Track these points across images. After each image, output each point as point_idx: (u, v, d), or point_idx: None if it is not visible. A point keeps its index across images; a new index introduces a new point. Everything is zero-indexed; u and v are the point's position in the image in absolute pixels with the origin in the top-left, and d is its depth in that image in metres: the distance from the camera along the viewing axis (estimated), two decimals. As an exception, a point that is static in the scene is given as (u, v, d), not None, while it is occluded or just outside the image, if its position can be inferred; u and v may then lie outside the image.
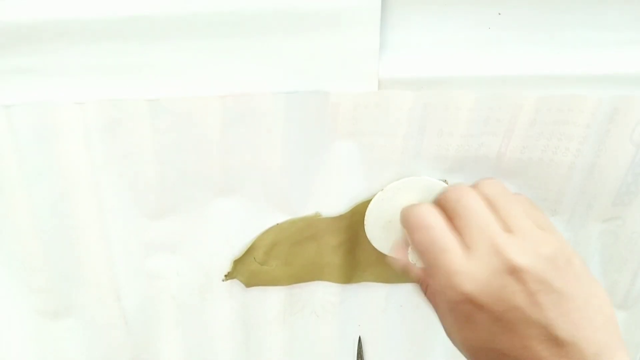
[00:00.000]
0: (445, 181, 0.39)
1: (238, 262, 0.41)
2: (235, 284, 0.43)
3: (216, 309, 0.43)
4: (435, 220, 0.32)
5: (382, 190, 0.39)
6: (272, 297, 0.43)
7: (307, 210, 0.40)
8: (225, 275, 0.42)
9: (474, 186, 0.34)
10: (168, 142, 0.36)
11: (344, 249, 0.42)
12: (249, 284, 0.43)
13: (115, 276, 0.41)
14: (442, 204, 0.34)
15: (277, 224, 0.40)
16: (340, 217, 0.40)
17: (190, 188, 0.38)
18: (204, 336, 0.45)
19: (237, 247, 0.41)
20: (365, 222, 0.40)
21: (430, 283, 0.35)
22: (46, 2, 0.31)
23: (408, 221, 0.34)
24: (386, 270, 0.42)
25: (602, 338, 0.29)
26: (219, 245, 0.41)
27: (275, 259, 0.42)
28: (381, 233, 0.40)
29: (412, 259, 0.37)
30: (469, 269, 0.30)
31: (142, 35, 0.33)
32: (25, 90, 0.34)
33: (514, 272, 0.29)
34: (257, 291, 0.43)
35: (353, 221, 0.41)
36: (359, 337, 0.47)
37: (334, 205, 0.40)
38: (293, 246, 0.41)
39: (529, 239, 0.30)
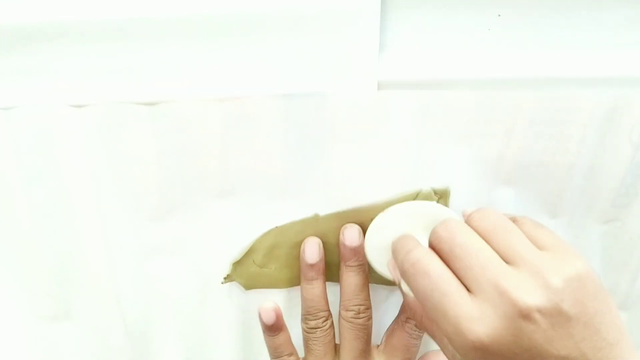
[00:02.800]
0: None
1: (237, 265, 0.41)
2: (235, 287, 0.43)
3: (215, 312, 0.43)
4: (433, 265, 0.31)
5: (378, 216, 0.39)
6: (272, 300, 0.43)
7: (306, 213, 0.40)
8: (225, 278, 0.42)
9: (467, 219, 0.33)
10: (167, 146, 0.36)
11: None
12: (248, 286, 0.42)
13: (115, 279, 0.41)
14: (435, 243, 0.32)
15: (276, 227, 0.40)
16: (338, 216, 0.40)
17: (189, 191, 0.38)
18: (203, 339, 0.45)
19: (236, 250, 0.41)
20: (365, 248, 0.40)
21: (434, 328, 0.33)
22: (45, 4, 0.31)
23: (403, 267, 0.32)
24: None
25: (619, 352, 0.28)
26: (218, 248, 0.41)
27: (275, 262, 0.42)
28: (382, 257, 0.39)
29: (405, 288, 0.35)
30: (476, 315, 0.28)
31: (140, 36, 0.33)
32: (24, 91, 0.34)
33: (525, 314, 0.27)
34: (256, 294, 0.43)
35: (352, 219, 0.40)
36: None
37: (333, 209, 0.40)
38: (292, 248, 0.41)
39: (535, 271, 0.28)
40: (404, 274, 0.32)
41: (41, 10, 0.32)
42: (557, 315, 0.27)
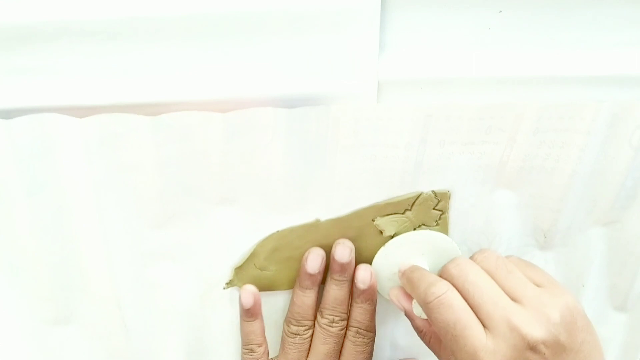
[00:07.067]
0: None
1: (239, 270, 0.41)
2: (236, 292, 0.43)
3: (216, 317, 0.43)
4: (457, 300, 0.34)
5: (383, 246, 0.40)
6: (272, 303, 0.43)
7: (308, 219, 0.40)
8: (227, 283, 0.42)
9: (472, 259, 0.37)
10: (169, 155, 0.36)
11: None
12: (249, 290, 0.42)
13: (116, 285, 0.41)
14: (449, 280, 0.35)
15: (277, 231, 0.40)
16: (339, 221, 0.40)
17: (190, 198, 0.38)
18: (204, 344, 0.44)
19: (237, 256, 0.41)
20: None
21: (442, 352, 0.38)
22: (45, 4, 0.31)
23: (426, 298, 0.35)
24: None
25: None
26: (219, 254, 0.41)
27: (276, 264, 0.42)
28: (388, 284, 0.42)
29: (417, 311, 0.38)
30: (491, 348, 0.32)
31: (140, 36, 0.33)
32: (24, 91, 0.34)
33: (533, 346, 0.32)
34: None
35: (353, 223, 0.40)
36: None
37: (334, 215, 0.40)
38: (294, 251, 0.41)
39: (538, 308, 0.33)
40: (426, 305, 0.35)
41: (41, 10, 0.31)
42: (556, 346, 0.32)
